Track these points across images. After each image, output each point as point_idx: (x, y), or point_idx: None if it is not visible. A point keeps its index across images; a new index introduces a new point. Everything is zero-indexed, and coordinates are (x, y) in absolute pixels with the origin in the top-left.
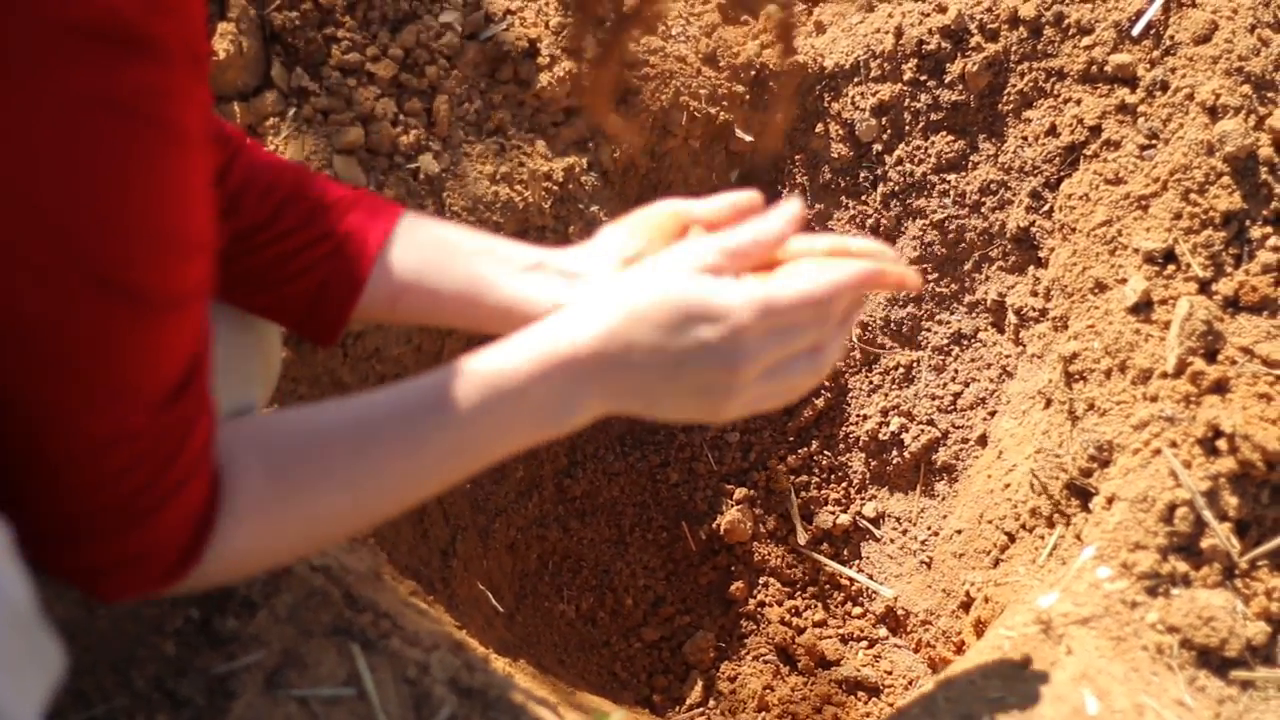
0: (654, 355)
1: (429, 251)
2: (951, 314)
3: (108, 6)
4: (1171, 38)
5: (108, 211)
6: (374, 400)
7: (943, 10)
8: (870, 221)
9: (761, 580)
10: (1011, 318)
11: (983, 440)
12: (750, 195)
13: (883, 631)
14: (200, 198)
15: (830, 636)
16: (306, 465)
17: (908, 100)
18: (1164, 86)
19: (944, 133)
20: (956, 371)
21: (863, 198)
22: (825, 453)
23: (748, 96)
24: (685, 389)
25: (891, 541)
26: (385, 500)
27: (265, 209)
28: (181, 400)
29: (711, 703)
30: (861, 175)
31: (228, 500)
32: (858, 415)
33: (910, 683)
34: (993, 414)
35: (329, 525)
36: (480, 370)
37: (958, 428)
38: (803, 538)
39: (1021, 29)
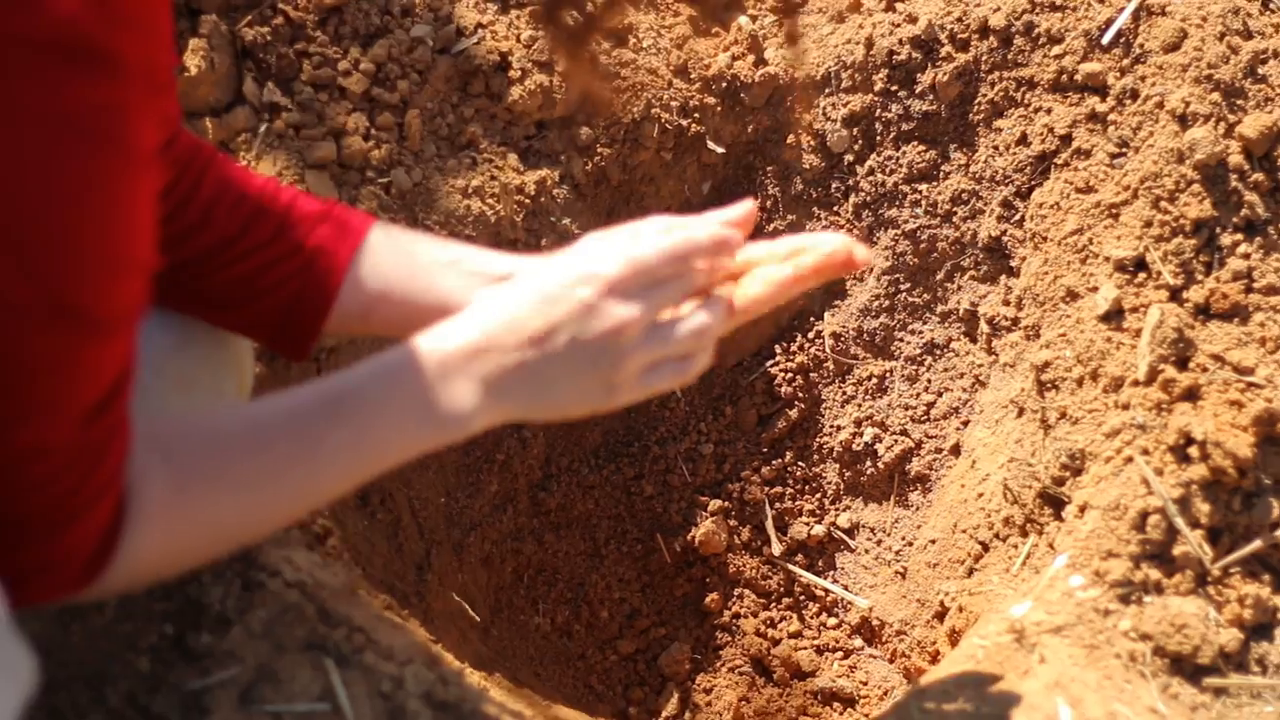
0: (536, 331)
1: (401, 264)
2: (924, 324)
3: (66, 19)
4: (1141, 46)
5: (59, 229)
6: (271, 401)
7: (913, 21)
8: (843, 232)
9: (736, 592)
10: (984, 327)
11: (956, 450)
12: (742, 211)
13: (858, 642)
14: (146, 218)
15: (805, 647)
16: (205, 468)
17: (879, 110)
18: (1134, 95)
19: (915, 143)
20: (929, 381)
21: (835, 208)
22: (799, 464)
23: (719, 108)
24: (573, 364)
25: (866, 552)
26: (286, 500)
27: (235, 223)
28: (104, 416)
29: (687, 715)
30: (833, 186)
31: (133, 507)
32: (831, 426)
33: (885, 693)
34: (966, 423)
35: (232, 527)
36: (370, 370)
37: (931, 437)
38: (777, 549)
39: (992, 39)
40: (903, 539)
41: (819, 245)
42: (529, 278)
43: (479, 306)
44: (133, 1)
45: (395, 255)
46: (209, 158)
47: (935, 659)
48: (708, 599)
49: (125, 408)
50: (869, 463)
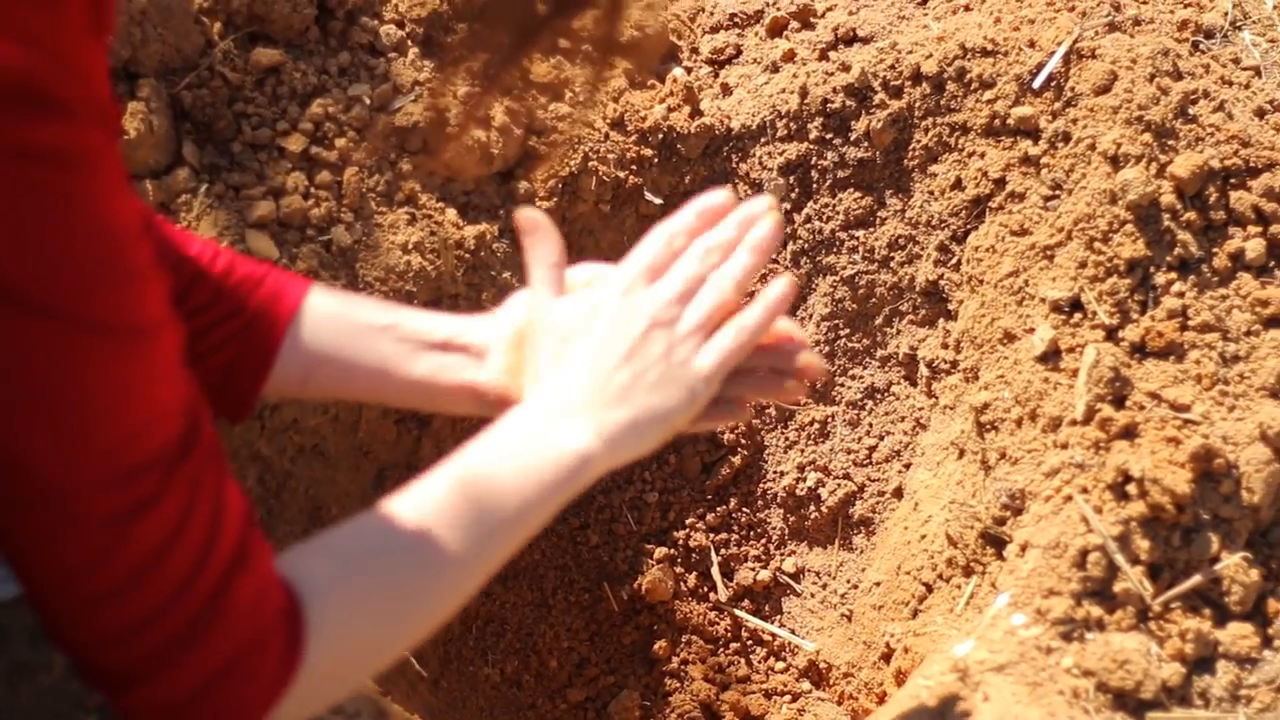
0: (598, 354)
1: (340, 328)
2: (864, 368)
3: (20, 70)
4: (1072, 89)
5: (54, 248)
6: (418, 506)
7: (846, 69)
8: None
9: (684, 638)
10: (923, 370)
11: (899, 492)
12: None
13: (806, 685)
14: (134, 229)
15: (754, 692)
16: (380, 569)
17: (814, 159)
18: (1066, 137)
19: (851, 189)
20: (871, 425)
21: (773, 256)
22: (744, 510)
23: (656, 160)
24: (646, 373)
25: (812, 596)
26: (448, 603)
27: (176, 286)
28: (194, 451)
29: None
30: None
31: (312, 611)
32: (774, 471)
33: None
34: (908, 466)
35: (405, 635)
36: (504, 467)
37: (874, 480)
38: (724, 595)
39: (924, 85)
40: (848, 582)
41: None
42: (570, 337)
43: (546, 387)
44: (85, 59)
45: (334, 319)
46: (147, 222)
47: (882, 700)
48: (656, 646)
49: (219, 452)
50: (813, 507)
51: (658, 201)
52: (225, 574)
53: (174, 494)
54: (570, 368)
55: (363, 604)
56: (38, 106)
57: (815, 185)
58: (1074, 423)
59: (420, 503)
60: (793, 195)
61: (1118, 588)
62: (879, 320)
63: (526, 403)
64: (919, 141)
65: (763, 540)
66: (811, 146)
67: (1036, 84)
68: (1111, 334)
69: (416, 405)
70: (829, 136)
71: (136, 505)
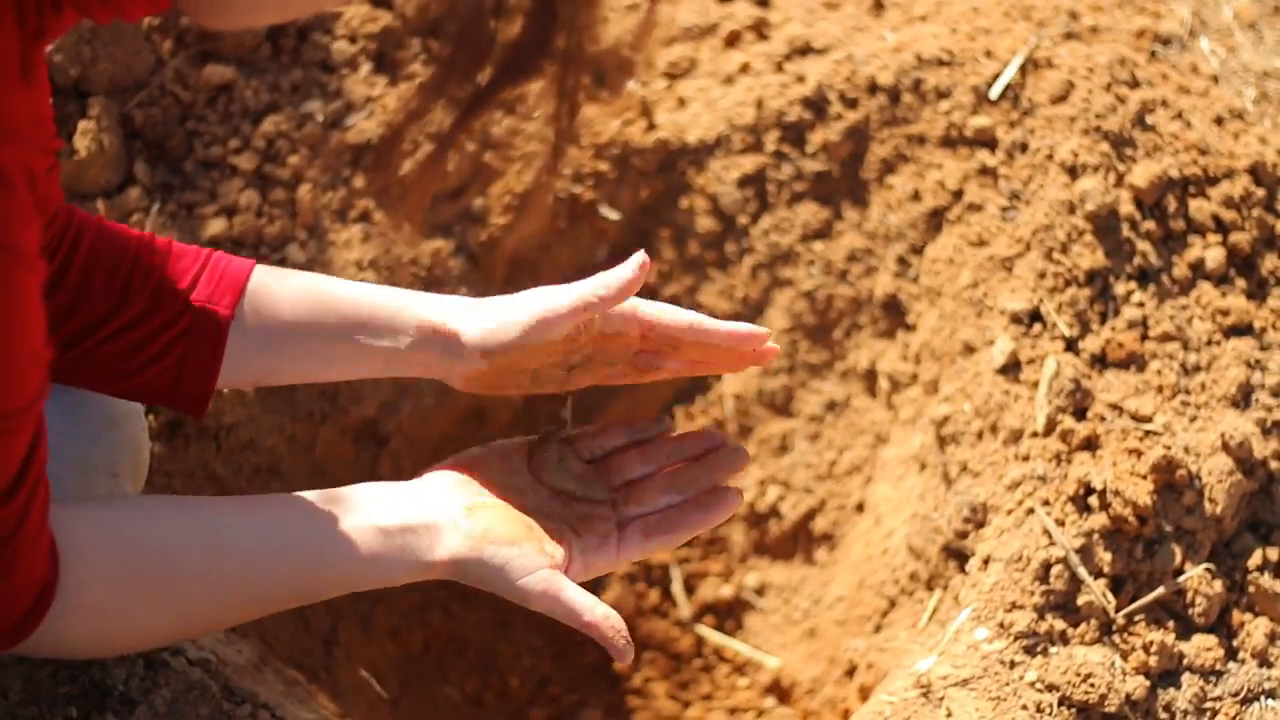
0: None
1: (300, 303)
2: (824, 382)
3: None
4: (1029, 99)
5: None
6: (226, 524)
7: (802, 80)
8: (739, 294)
9: (647, 656)
10: (883, 383)
11: (860, 507)
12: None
13: (770, 702)
14: (38, 311)
15: (718, 709)
16: (150, 586)
17: (771, 171)
18: (1023, 147)
19: (809, 202)
20: (831, 439)
21: (730, 270)
22: None
23: (612, 174)
24: None
25: (775, 611)
26: (223, 619)
27: (110, 298)
28: (14, 497)
29: None
30: (728, 248)
31: (65, 589)
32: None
33: None
34: (869, 480)
35: (161, 636)
36: (332, 539)
37: (835, 495)
38: (686, 611)
39: (881, 96)
40: (810, 597)
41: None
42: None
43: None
44: (10, 113)
45: (288, 296)
46: (78, 231)
47: (846, 716)
48: (618, 664)
49: (40, 475)
50: (774, 522)
51: (614, 217)
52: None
53: None
54: None
55: (116, 626)
56: None
57: (772, 198)
58: (1035, 435)
59: (239, 547)
60: (749, 208)
61: (1080, 601)
62: (838, 333)
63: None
64: (876, 153)
65: (724, 556)
66: (768, 159)
67: (993, 94)
68: (1071, 345)
69: (376, 375)
70: (785, 149)
71: None
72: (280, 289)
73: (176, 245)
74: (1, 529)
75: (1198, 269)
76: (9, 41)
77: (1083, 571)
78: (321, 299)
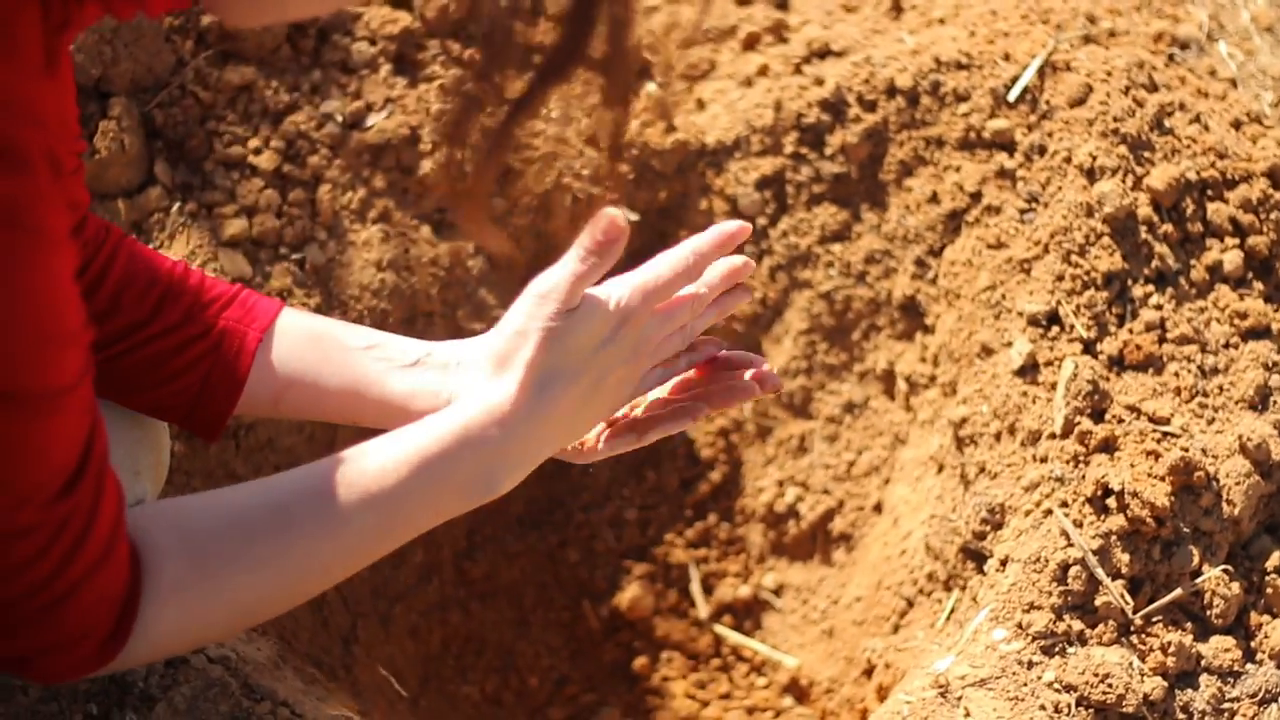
0: (570, 400)
1: (309, 348)
2: (842, 383)
3: None
4: (1047, 102)
5: None
6: (293, 478)
7: (820, 83)
8: (758, 295)
9: (665, 655)
10: (901, 385)
11: (878, 508)
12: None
13: (788, 702)
14: (69, 292)
15: (735, 709)
16: (224, 546)
17: (790, 173)
18: (1041, 150)
19: (827, 204)
20: (849, 440)
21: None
22: (723, 525)
23: (631, 175)
24: (597, 400)
25: (793, 611)
26: (309, 579)
27: (145, 307)
28: (77, 489)
29: None
30: (746, 249)
31: (149, 583)
32: (754, 487)
33: None
34: (887, 481)
35: (254, 605)
36: (397, 447)
37: (853, 496)
38: (704, 611)
39: (899, 99)
40: (828, 597)
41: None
42: (526, 351)
43: (505, 376)
44: (32, 100)
45: (306, 339)
46: (117, 242)
47: (864, 716)
48: (636, 663)
49: (104, 472)
50: (792, 523)
51: (633, 218)
52: (74, 585)
53: (44, 528)
54: (546, 402)
55: (206, 606)
56: None
57: (790, 200)
58: (1053, 436)
59: (308, 496)
60: (768, 210)
61: (1098, 601)
62: (856, 335)
63: (477, 412)
64: (894, 155)
65: (742, 556)
66: (786, 161)
67: (1011, 97)
68: (1089, 347)
69: (388, 425)
70: (804, 151)
71: (12, 534)
72: (299, 331)
73: (209, 277)
74: (67, 531)
75: (1215, 272)
76: (32, 30)
77: (1100, 572)
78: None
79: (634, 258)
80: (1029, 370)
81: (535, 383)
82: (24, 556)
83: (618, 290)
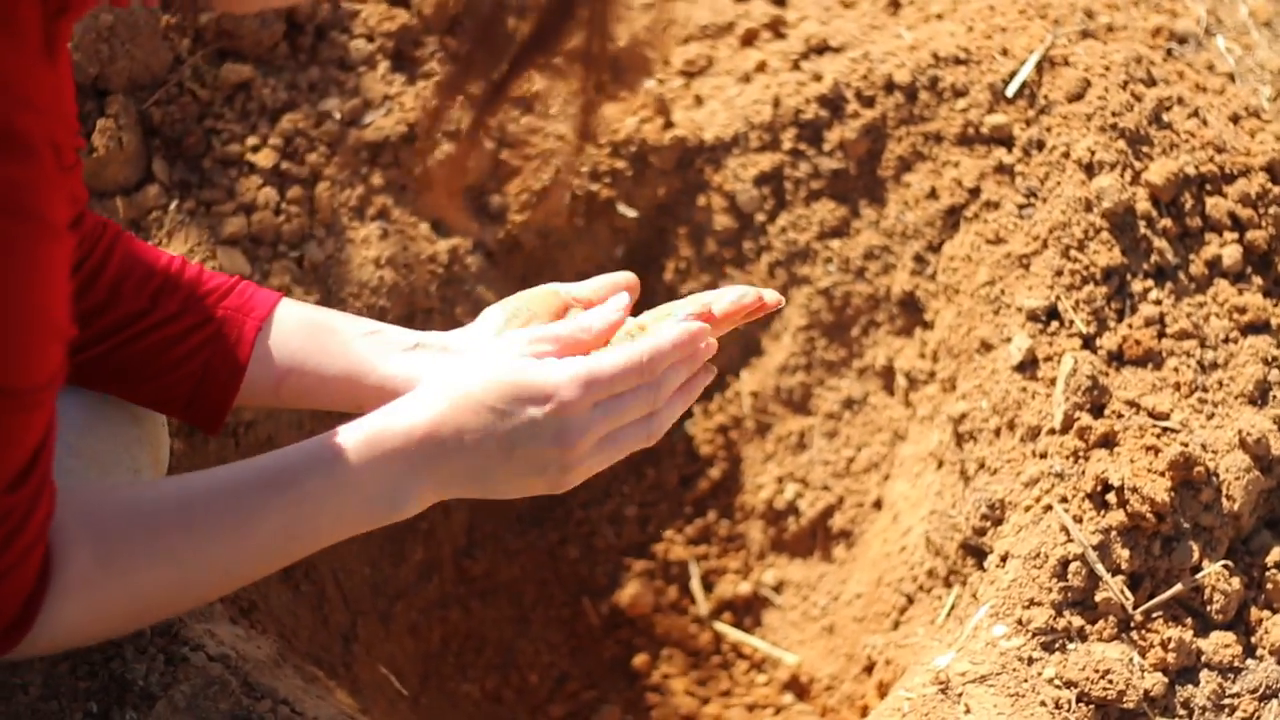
0: (485, 438)
1: (309, 335)
2: (841, 379)
3: None
4: (1046, 97)
5: None
6: (204, 476)
7: (819, 79)
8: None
9: (665, 652)
10: (900, 381)
11: (878, 504)
12: (627, 276)
13: (788, 698)
14: (62, 286)
15: (736, 706)
16: (132, 544)
17: (788, 169)
18: (1040, 145)
19: (826, 200)
20: (849, 437)
21: (748, 268)
22: (723, 521)
23: (629, 172)
24: (520, 469)
25: (793, 608)
26: (212, 577)
27: (143, 297)
28: (28, 481)
29: None
30: (745, 246)
31: (56, 575)
32: (753, 484)
33: None
34: (886, 477)
35: (157, 602)
36: (310, 452)
37: (853, 492)
38: (704, 608)
39: (897, 94)
40: (828, 594)
41: (725, 295)
42: (480, 369)
43: (427, 395)
44: (32, 85)
45: (304, 327)
46: (115, 235)
47: (864, 713)
48: (636, 661)
49: (48, 471)
50: (792, 519)
51: (631, 214)
52: (3, 573)
53: None
54: (458, 431)
55: (109, 601)
56: None
57: (789, 196)
58: (1052, 432)
59: (216, 493)
60: (767, 206)
61: (1098, 597)
62: (855, 331)
63: (391, 428)
64: (893, 151)
65: (742, 553)
66: (785, 157)
67: (1010, 92)
68: (1089, 342)
69: None
70: (802, 147)
71: None
72: (297, 319)
73: (206, 270)
74: (7, 521)
75: (1214, 266)
76: (32, 13)
77: (1101, 568)
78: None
79: (631, 254)
80: (1028, 366)
81: (457, 412)
82: None
83: (557, 372)
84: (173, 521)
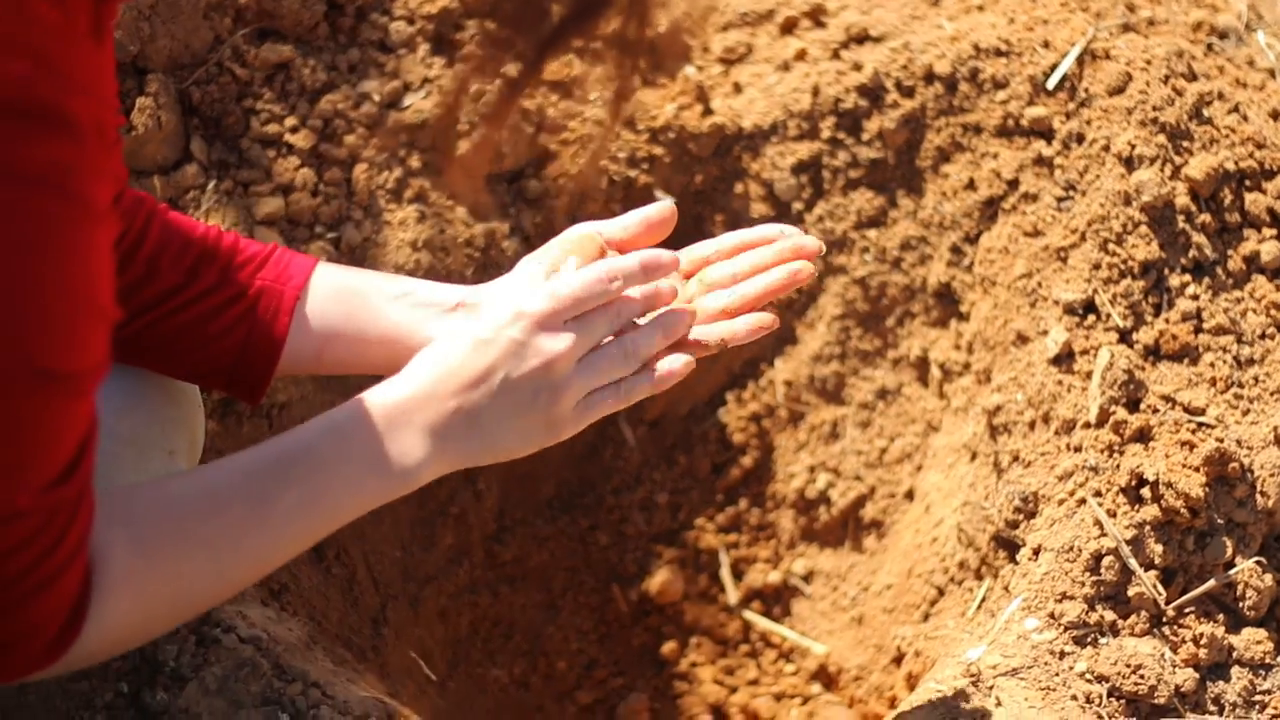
0: (471, 375)
1: (348, 300)
2: (875, 369)
3: (21, 81)
4: (1086, 90)
5: (23, 285)
6: (225, 463)
7: (859, 68)
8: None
9: (694, 640)
10: (935, 372)
11: (910, 495)
12: (661, 208)
13: (816, 688)
14: (106, 267)
15: (764, 695)
16: (165, 533)
17: (826, 158)
18: (1080, 138)
19: (863, 189)
20: (882, 427)
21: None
22: (754, 510)
23: (667, 158)
24: (511, 404)
25: (823, 598)
26: (246, 562)
27: (181, 269)
28: (72, 479)
29: None
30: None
31: (98, 573)
32: (785, 473)
33: None
34: (919, 468)
35: (197, 591)
36: (320, 427)
37: (885, 483)
38: (734, 597)
39: (937, 85)
40: (858, 584)
41: (765, 234)
42: (465, 325)
43: (419, 359)
44: (80, 67)
45: (343, 292)
46: (151, 210)
47: (893, 704)
48: (665, 648)
49: (90, 470)
50: (823, 509)
51: (668, 201)
52: (48, 578)
53: (36, 515)
54: (445, 376)
55: (152, 595)
56: (37, 119)
57: (827, 185)
58: (1087, 425)
59: (237, 477)
60: (804, 195)
61: (1131, 592)
62: (890, 321)
63: (389, 391)
64: (931, 142)
65: (773, 542)
66: (823, 146)
67: (1050, 84)
68: (1125, 336)
69: None
70: (841, 136)
71: (6, 516)
72: (335, 284)
73: (242, 238)
74: (54, 522)
75: (1252, 262)
76: None
77: (1134, 563)
78: (367, 300)
79: (667, 241)
80: (1064, 359)
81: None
82: (14, 541)
83: (520, 290)
84: (200, 508)
